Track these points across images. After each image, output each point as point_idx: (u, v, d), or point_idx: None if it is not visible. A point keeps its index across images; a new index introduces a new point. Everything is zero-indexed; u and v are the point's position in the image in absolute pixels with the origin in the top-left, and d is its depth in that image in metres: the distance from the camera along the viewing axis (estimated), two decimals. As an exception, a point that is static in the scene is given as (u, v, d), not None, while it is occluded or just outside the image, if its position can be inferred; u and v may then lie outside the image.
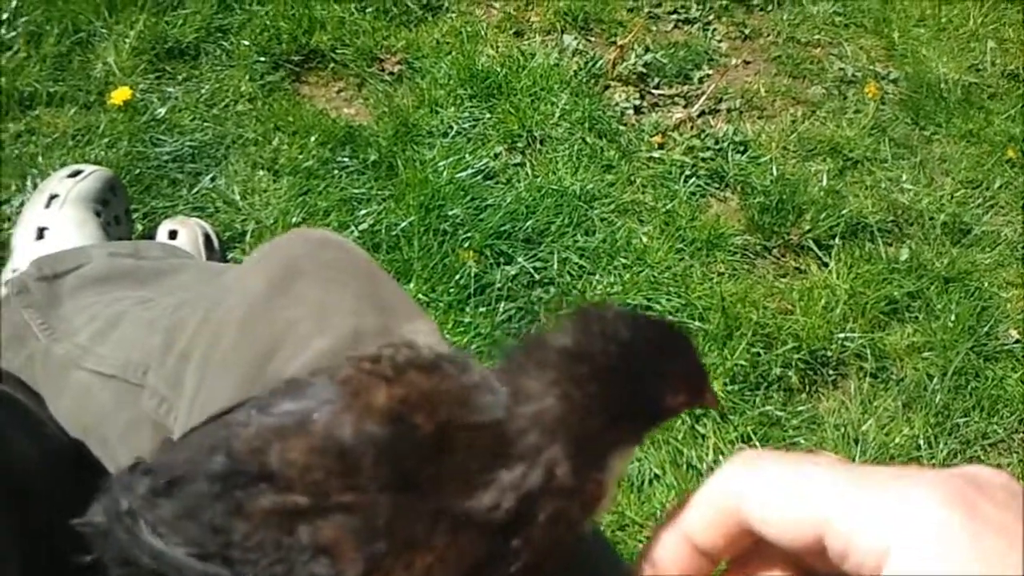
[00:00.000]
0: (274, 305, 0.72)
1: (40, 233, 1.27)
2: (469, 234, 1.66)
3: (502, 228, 1.69)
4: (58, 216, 1.28)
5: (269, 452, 0.43)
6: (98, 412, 0.87)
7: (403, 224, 1.64)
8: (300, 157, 1.70)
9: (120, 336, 0.94)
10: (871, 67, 2.27)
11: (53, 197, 1.31)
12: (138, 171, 1.60)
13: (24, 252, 1.25)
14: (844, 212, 1.88)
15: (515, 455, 0.42)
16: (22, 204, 1.46)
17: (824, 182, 1.94)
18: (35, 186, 1.48)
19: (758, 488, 0.42)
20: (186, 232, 1.39)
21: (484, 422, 0.43)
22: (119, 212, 1.37)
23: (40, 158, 1.57)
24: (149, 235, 1.45)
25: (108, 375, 0.89)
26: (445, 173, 1.74)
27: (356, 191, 1.69)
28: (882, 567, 0.37)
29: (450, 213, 1.68)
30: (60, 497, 0.77)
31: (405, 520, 0.41)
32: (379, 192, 1.70)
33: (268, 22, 1.87)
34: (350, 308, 0.72)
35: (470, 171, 1.76)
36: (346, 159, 1.73)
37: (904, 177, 2.02)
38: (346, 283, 0.74)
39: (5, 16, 1.73)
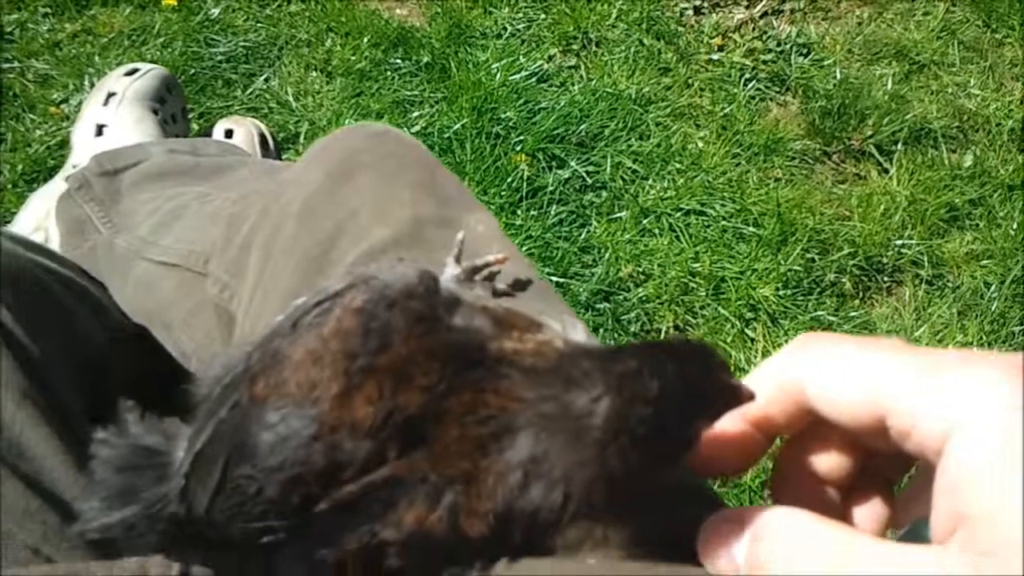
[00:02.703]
0: (334, 196, 0.73)
1: (99, 130, 1.29)
2: (522, 137, 1.65)
3: (555, 131, 1.67)
4: (116, 114, 1.30)
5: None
6: (161, 300, 0.90)
7: (456, 126, 1.64)
8: (353, 59, 1.69)
9: (181, 228, 0.96)
10: (942, -34, 2.17)
11: (111, 95, 1.32)
12: (193, 71, 1.61)
13: (84, 149, 1.27)
14: (908, 117, 1.82)
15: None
16: (80, 103, 1.48)
17: (888, 86, 1.88)
18: (92, 85, 1.49)
19: (821, 368, 0.42)
20: (242, 131, 1.40)
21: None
22: (176, 111, 1.38)
23: (96, 57, 1.58)
24: (205, 135, 1.46)
25: (171, 264, 0.91)
26: (498, 75, 1.72)
27: (409, 93, 1.68)
28: (945, 445, 0.37)
29: (503, 116, 1.67)
30: (128, 375, 0.81)
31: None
32: (432, 94, 1.69)
33: (320, -80, 1.84)
34: (410, 198, 0.72)
35: (524, 73, 1.74)
36: (398, 61, 1.71)
37: (972, 82, 1.94)
38: (405, 174, 0.74)
39: (59, -86, 1.73)
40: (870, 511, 0.49)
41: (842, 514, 0.48)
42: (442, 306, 0.47)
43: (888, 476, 0.50)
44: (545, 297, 0.68)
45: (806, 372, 0.43)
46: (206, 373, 0.50)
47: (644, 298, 1.53)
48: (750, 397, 0.44)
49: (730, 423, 0.47)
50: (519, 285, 0.67)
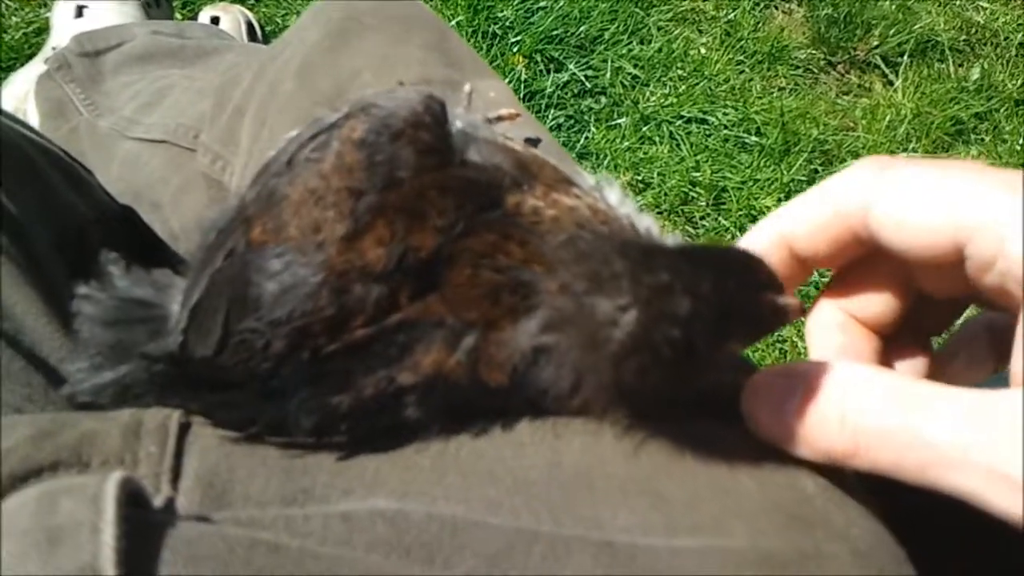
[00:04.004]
0: (336, 56, 0.68)
1: (79, 11, 1.23)
2: (519, 38, 1.59)
3: (553, 33, 1.61)
4: (97, -6, 1.23)
5: None
6: (148, 178, 0.85)
7: (450, 24, 1.57)
8: (344, -50, 1.61)
9: (168, 105, 0.91)
10: None
11: (91, -25, 1.25)
12: (176, -42, 1.53)
13: (63, 30, 1.21)
14: (915, 29, 1.77)
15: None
16: (58, -11, 1.41)
17: (896, -4, 1.83)
18: (71, -30, 1.42)
19: (894, 190, 0.38)
20: (228, 19, 1.34)
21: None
22: (159, -6, 1.31)
23: (75, -58, 1.50)
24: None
25: (157, 141, 0.86)
26: (495, -28, 1.65)
27: (402, -11, 1.61)
28: None
29: (500, 15, 1.60)
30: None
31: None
32: (426, -10, 1.62)
33: None
34: (417, 59, 0.67)
35: (522, -29, 1.67)
36: (392, -46, 1.64)
37: (982, -5, 1.89)
38: (412, 36, 0.70)
39: None
40: (911, 367, 0.46)
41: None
42: (454, 137, 0.43)
43: (930, 328, 0.47)
44: (559, 157, 0.63)
45: (875, 193, 0.38)
46: (201, 227, 0.46)
47: (643, 207, 1.49)
48: (798, 315, 0.41)
49: (767, 247, 0.43)
50: (529, 143, 0.63)
